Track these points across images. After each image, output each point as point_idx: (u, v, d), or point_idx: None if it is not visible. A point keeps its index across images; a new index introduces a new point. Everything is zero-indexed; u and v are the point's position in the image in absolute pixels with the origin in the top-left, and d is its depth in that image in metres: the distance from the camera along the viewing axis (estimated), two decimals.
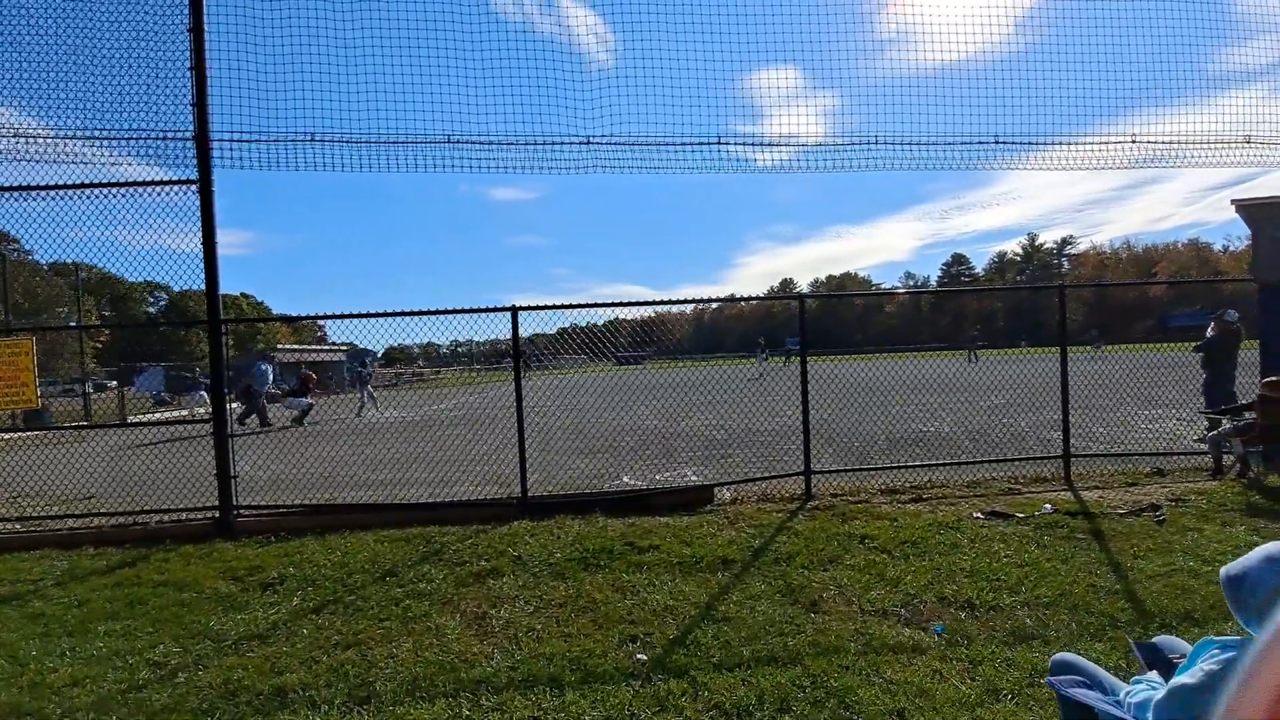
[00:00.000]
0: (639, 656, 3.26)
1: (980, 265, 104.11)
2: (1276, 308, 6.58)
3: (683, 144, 5.90)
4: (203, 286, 5.99)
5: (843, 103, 7.43)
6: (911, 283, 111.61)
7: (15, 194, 5.76)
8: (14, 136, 5.37)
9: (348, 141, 5.26)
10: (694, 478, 7.40)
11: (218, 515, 5.72)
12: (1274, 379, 5.92)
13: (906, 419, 11.69)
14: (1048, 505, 5.40)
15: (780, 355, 42.33)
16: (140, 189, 5.79)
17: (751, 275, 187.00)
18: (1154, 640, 2.18)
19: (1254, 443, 6.03)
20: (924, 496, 6.00)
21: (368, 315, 6.26)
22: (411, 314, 6.21)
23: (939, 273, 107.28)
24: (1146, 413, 11.20)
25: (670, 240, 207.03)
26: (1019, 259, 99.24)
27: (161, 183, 5.62)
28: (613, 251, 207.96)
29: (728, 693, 2.87)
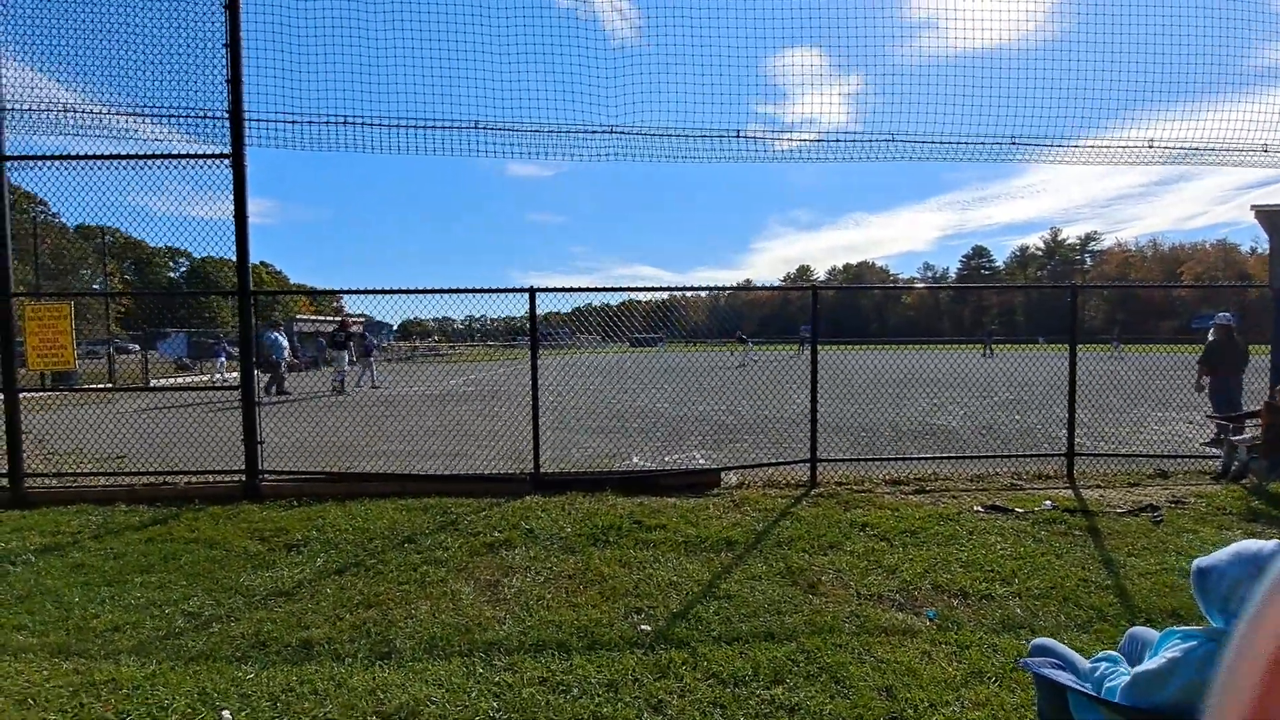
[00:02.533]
0: (643, 627, 3.45)
1: (1001, 259, 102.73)
2: None
3: (702, 135, 5.97)
4: (224, 254, 6.19)
5: (867, 86, 7.40)
6: (930, 274, 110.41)
7: (54, 162, 5.97)
8: (62, 111, 5.56)
9: (378, 125, 5.40)
10: (702, 461, 7.57)
11: (244, 479, 5.97)
12: None
13: (917, 411, 11.77)
14: (1048, 502, 5.51)
15: (787, 344, 42.41)
16: (174, 160, 5.97)
17: (769, 261, 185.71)
18: (1128, 631, 2.31)
19: (1262, 453, 6.07)
20: (927, 488, 6.12)
21: (392, 291, 6.43)
22: (433, 291, 6.39)
23: (959, 265, 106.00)
24: (1158, 414, 11.18)
25: (689, 222, 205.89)
26: (1040, 254, 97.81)
27: (196, 156, 5.79)
28: (631, 231, 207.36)
29: (725, 664, 3.05)
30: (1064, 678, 1.95)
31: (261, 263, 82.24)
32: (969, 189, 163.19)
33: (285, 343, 15.20)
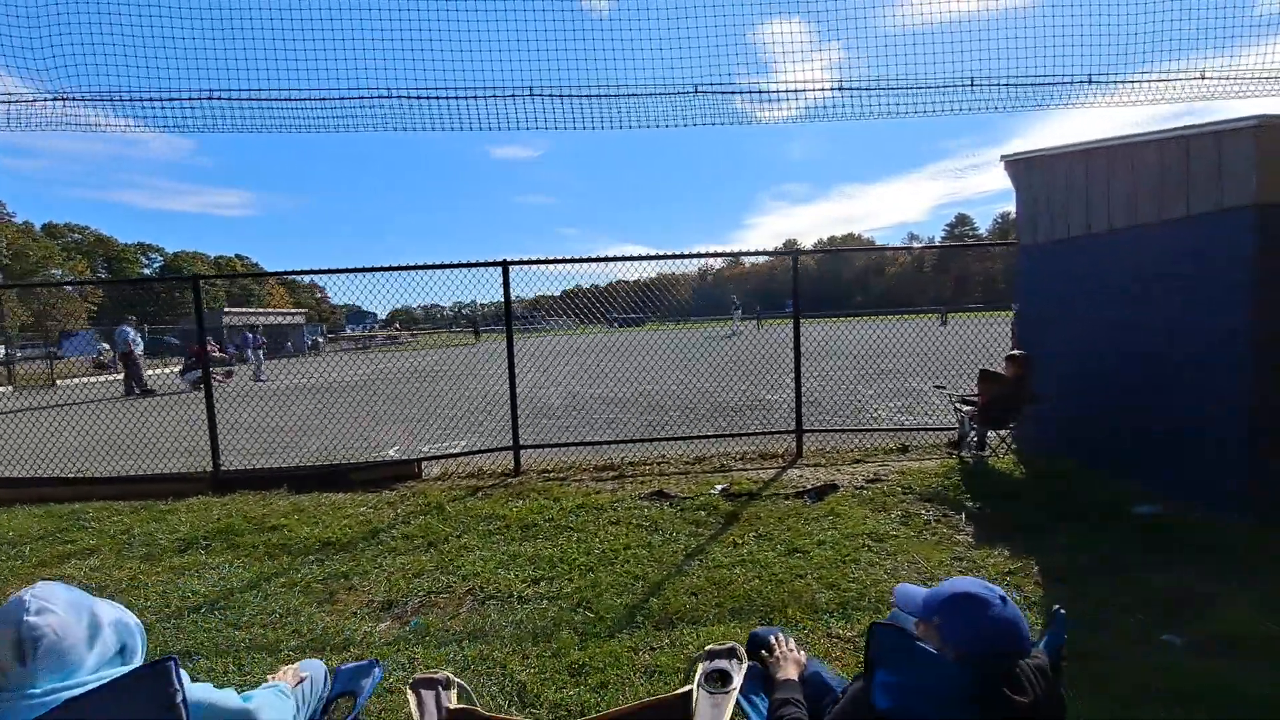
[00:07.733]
0: None
1: (985, 227, 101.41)
2: (1030, 270, 6.13)
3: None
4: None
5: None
6: (914, 243, 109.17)
7: None
8: None
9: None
10: (458, 449, 7.23)
11: None
12: (992, 368, 5.61)
13: (764, 385, 11.36)
14: (720, 485, 5.16)
15: (752, 318, 41.95)
16: None
17: (762, 236, 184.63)
18: None
19: (981, 422, 5.71)
20: (627, 474, 5.77)
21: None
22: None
23: (943, 233, 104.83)
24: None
25: (683, 200, 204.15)
26: None
27: None
28: (622, 211, 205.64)
29: None
30: None
31: (236, 255, 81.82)
32: (962, 156, 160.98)
33: (134, 334, 14.73)
